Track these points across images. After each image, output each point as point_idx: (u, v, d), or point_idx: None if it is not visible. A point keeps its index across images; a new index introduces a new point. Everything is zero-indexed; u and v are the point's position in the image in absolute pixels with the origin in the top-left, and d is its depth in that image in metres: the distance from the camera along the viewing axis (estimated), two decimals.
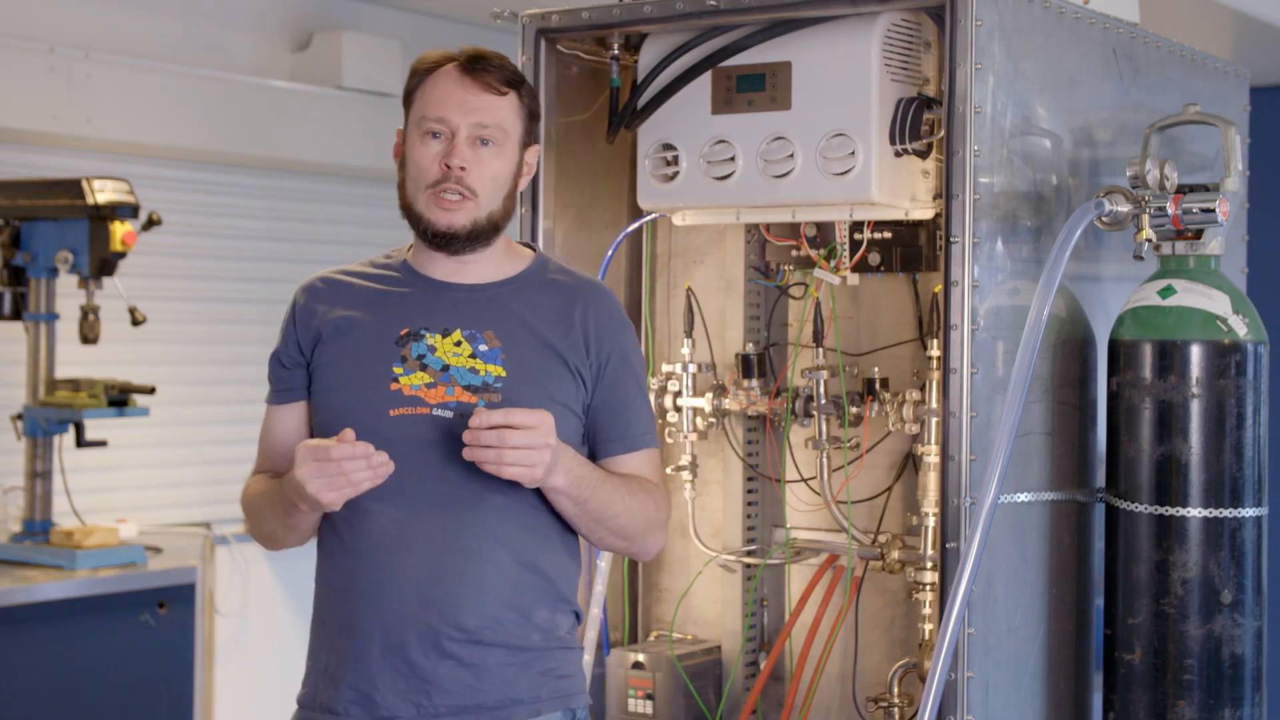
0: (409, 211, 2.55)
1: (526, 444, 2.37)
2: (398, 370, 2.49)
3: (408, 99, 2.58)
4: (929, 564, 3.01)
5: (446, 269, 2.57)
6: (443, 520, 2.46)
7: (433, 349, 2.51)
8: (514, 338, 2.53)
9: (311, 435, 2.56)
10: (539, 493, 2.50)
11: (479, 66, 2.52)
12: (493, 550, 2.47)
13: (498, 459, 2.37)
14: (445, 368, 2.50)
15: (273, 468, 2.60)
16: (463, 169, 2.49)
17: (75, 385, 4.50)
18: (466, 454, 2.38)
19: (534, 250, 2.67)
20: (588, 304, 2.59)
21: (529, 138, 2.58)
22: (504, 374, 2.50)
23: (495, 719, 2.48)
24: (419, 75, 2.56)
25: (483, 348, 2.52)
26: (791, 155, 2.96)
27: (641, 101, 3.11)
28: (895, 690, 3.11)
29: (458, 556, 2.46)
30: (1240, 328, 2.81)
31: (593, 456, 2.58)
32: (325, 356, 2.55)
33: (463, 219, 2.51)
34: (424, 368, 2.49)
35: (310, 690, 2.55)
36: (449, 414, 2.47)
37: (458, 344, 2.52)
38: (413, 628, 2.45)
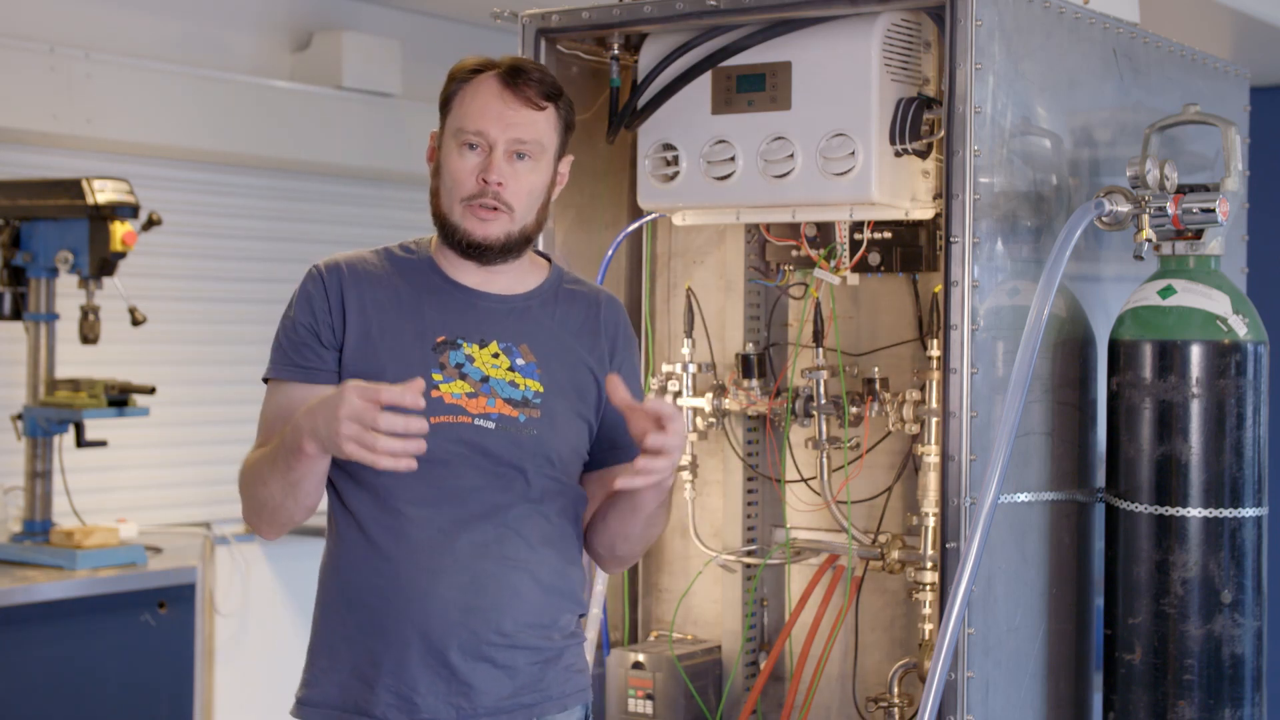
0: (443, 220, 2.53)
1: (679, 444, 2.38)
2: (437, 377, 2.47)
3: (445, 105, 2.55)
4: (929, 564, 3.01)
5: (476, 276, 2.56)
6: (484, 529, 2.47)
7: (470, 359, 2.50)
8: (548, 353, 2.54)
9: None
10: (564, 501, 2.53)
11: (519, 80, 2.50)
12: (528, 558, 2.49)
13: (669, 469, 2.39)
14: (485, 379, 2.49)
15: None
16: (499, 184, 2.47)
17: (75, 385, 4.50)
18: (658, 466, 2.35)
19: (548, 260, 2.67)
20: (608, 315, 2.62)
21: (563, 149, 2.57)
22: (542, 390, 2.51)
23: (529, 716, 2.51)
24: (457, 82, 2.54)
25: (520, 361, 2.52)
26: (791, 155, 2.96)
27: (641, 101, 3.11)
28: (895, 690, 3.11)
29: (499, 564, 2.47)
30: (1240, 328, 2.81)
31: (602, 461, 2.59)
32: (358, 355, 2.50)
33: (498, 231, 2.50)
34: (463, 377, 2.48)
35: (333, 690, 2.49)
36: (491, 425, 2.47)
37: (495, 356, 2.51)
38: (455, 633, 2.45)
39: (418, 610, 2.45)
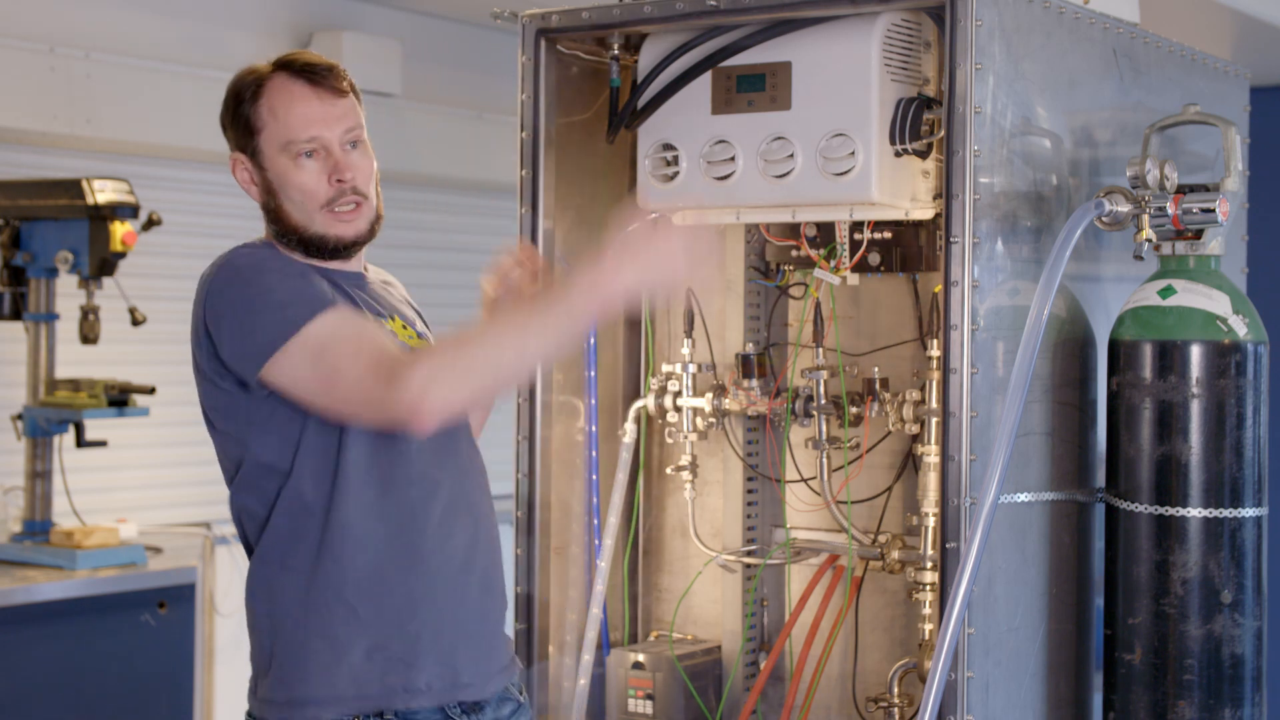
0: (303, 234, 2.52)
1: None
2: None
3: (246, 125, 2.54)
4: (929, 564, 3.00)
5: (343, 263, 2.60)
6: (469, 492, 2.56)
7: (394, 334, 2.54)
8: (412, 320, 2.65)
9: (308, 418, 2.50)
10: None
11: (320, 73, 2.52)
12: (489, 513, 2.61)
13: None
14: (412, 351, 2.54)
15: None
16: (353, 178, 2.51)
17: (75, 385, 4.51)
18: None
19: None
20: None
21: None
22: None
23: (511, 676, 2.63)
24: (253, 100, 2.53)
25: (415, 329, 2.62)
26: (791, 155, 2.96)
27: (641, 101, 3.11)
28: (895, 690, 3.10)
29: (487, 524, 2.58)
30: (1240, 328, 2.81)
31: None
32: None
33: (363, 224, 2.55)
34: None
35: (343, 682, 2.44)
36: None
37: (405, 328, 2.58)
38: (478, 592, 2.53)
39: (448, 579, 2.50)
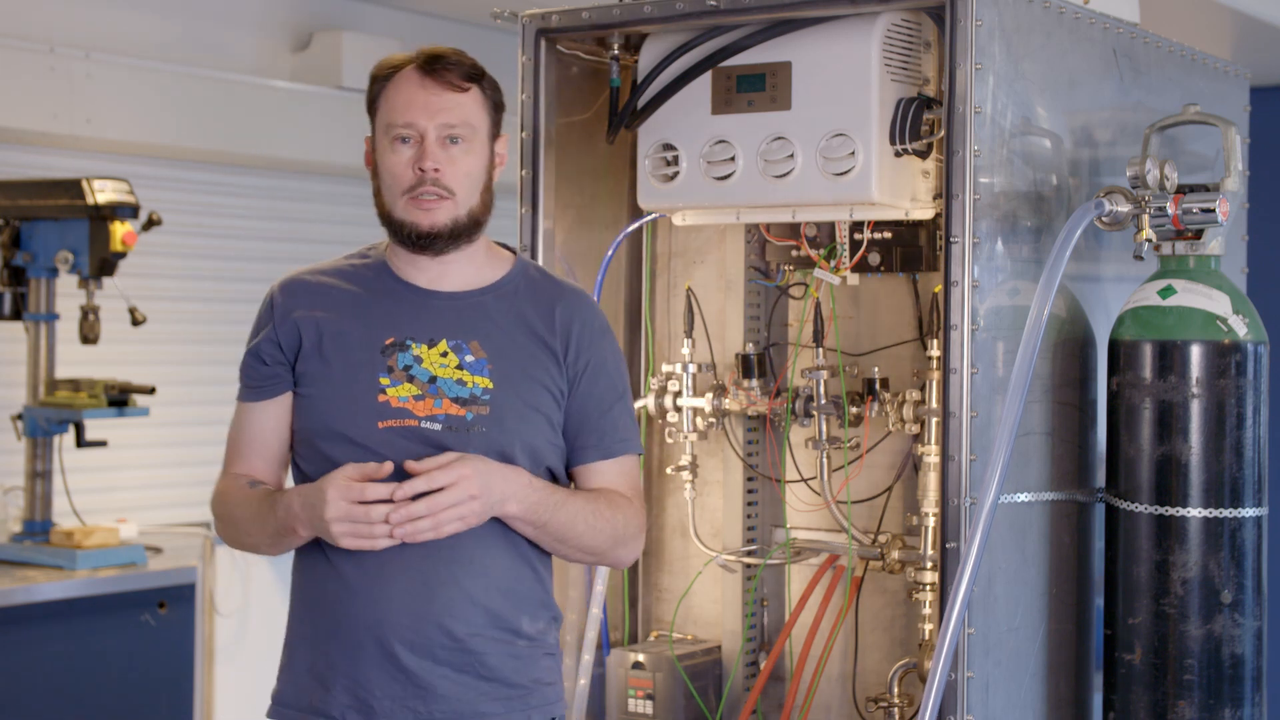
0: (388, 219, 2.54)
1: (454, 502, 2.39)
2: (384, 381, 2.48)
3: (372, 106, 2.57)
4: (929, 564, 3.01)
5: (429, 274, 2.56)
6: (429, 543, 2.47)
7: (419, 359, 2.50)
8: (500, 348, 2.53)
9: (293, 439, 2.57)
10: None
11: (438, 66, 2.52)
12: (482, 560, 2.49)
13: (435, 526, 2.40)
14: (432, 379, 2.50)
15: (248, 469, 2.61)
16: (436, 170, 2.48)
17: (75, 385, 4.51)
18: (401, 534, 2.39)
19: (514, 252, 2.66)
20: (569, 310, 2.59)
21: (496, 129, 2.58)
22: (491, 386, 2.51)
23: None
24: (380, 81, 2.55)
25: (469, 359, 2.52)
26: (791, 155, 2.96)
27: (641, 101, 3.11)
28: (895, 690, 3.10)
29: (451, 567, 2.47)
30: (1240, 328, 2.81)
31: (570, 463, 2.59)
32: (310, 363, 2.52)
33: (443, 218, 2.51)
34: (411, 379, 2.49)
35: (289, 689, 2.54)
36: (438, 427, 2.47)
37: (444, 354, 2.52)
38: (407, 637, 2.46)
39: (369, 614, 2.46)
